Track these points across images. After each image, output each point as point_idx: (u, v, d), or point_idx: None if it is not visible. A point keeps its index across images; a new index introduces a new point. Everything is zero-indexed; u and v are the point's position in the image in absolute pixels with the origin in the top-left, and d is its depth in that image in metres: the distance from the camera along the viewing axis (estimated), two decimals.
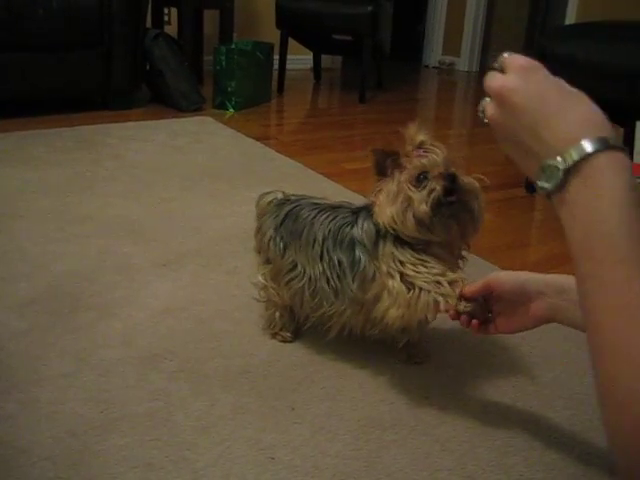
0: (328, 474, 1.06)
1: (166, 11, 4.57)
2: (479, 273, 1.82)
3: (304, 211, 1.34)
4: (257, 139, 3.17)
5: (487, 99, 0.73)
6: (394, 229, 1.20)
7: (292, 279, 1.34)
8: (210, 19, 4.60)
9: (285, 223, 1.36)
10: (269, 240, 1.38)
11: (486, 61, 6.32)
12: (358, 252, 1.25)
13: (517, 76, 0.69)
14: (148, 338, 1.42)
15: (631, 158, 1.78)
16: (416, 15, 6.56)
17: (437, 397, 1.28)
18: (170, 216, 2.14)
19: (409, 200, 1.17)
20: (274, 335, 1.44)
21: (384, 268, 1.21)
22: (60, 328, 1.44)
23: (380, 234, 1.23)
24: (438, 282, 1.17)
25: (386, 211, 1.19)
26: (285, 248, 1.35)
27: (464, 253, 1.28)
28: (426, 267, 1.18)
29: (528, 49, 6.46)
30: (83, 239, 1.91)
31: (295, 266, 1.34)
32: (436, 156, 1.19)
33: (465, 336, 1.49)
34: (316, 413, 1.21)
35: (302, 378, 1.31)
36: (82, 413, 1.17)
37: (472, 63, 6.19)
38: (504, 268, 1.86)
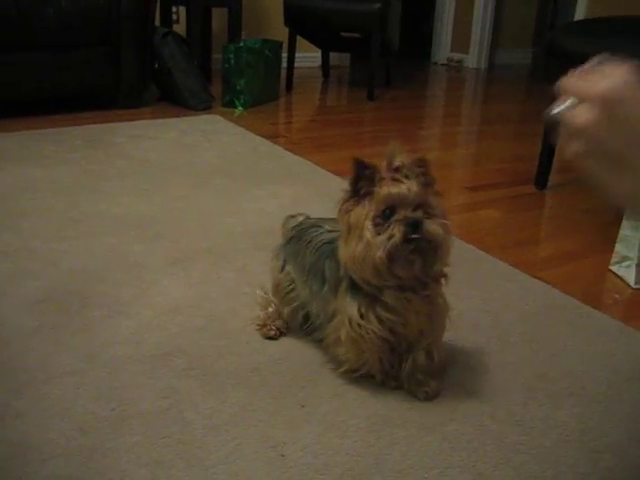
0: (338, 471, 1.07)
1: (175, 10, 4.57)
2: (488, 270, 1.83)
3: (306, 234, 1.39)
4: (266, 137, 3.17)
5: (571, 99, 0.65)
6: (351, 270, 1.19)
7: (290, 297, 1.42)
8: (218, 17, 4.60)
9: (290, 243, 1.43)
10: (273, 258, 1.47)
11: (495, 58, 6.30)
12: (326, 288, 1.30)
13: (627, 81, 0.62)
14: (158, 336, 1.43)
15: None
16: (424, 12, 6.55)
17: (447, 395, 1.28)
18: (179, 214, 2.14)
19: (368, 245, 1.13)
20: (261, 327, 1.45)
21: (338, 316, 1.26)
22: (70, 326, 1.45)
23: (340, 274, 1.25)
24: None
25: (349, 250, 1.17)
26: (284, 266, 1.43)
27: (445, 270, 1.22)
28: (368, 332, 1.21)
29: (537, 45, 6.45)
30: (92, 237, 1.92)
31: (293, 283, 1.42)
32: (407, 189, 1.13)
33: (474, 335, 1.49)
34: (326, 410, 1.21)
35: (312, 375, 1.31)
36: (93, 411, 1.18)
37: (481, 60, 6.17)
38: (513, 265, 1.86)
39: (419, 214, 1.13)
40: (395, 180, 1.14)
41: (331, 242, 1.30)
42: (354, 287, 1.21)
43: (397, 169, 1.14)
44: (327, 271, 1.29)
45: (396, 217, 1.12)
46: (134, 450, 1.09)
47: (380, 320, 1.19)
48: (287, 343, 1.42)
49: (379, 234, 1.12)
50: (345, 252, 1.18)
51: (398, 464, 1.09)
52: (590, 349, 1.46)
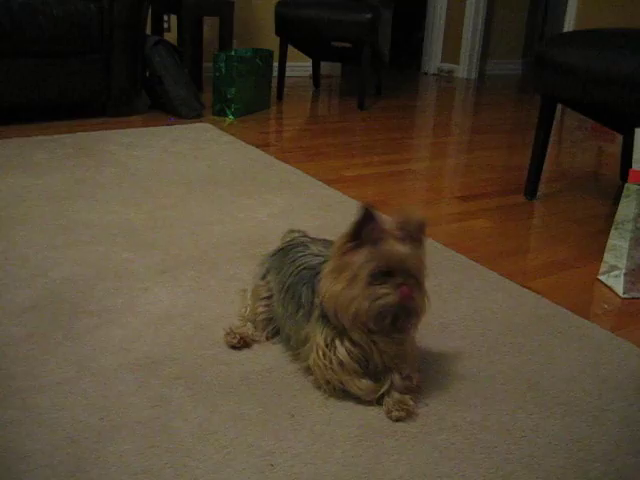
0: None
1: (166, 18, 4.59)
2: (478, 280, 1.83)
3: (292, 252, 1.41)
4: (256, 146, 3.18)
5: None
6: (327, 307, 1.21)
7: (266, 304, 1.46)
8: (210, 26, 4.61)
9: (276, 256, 1.47)
10: (258, 264, 1.51)
11: (485, 68, 6.34)
12: (300, 313, 1.32)
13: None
14: (148, 345, 1.42)
15: (630, 165, 1.78)
16: (415, 22, 6.58)
17: (436, 404, 1.28)
18: (170, 222, 2.14)
19: (359, 295, 1.15)
20: (226, 335, 1.44)
21: (310, 341, 1.29)
22: (60, 335, 1.44)
23: (315, 301, 1.27)
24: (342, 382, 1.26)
25: (334, 289, 1.18)
26: (266, 274, 1.47)
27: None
28: (332, 364, 1.24)
29: (526, 56, 6.49)
30: (83, 246, 1.91)
31: (270, 292, 1.45)
32: (409, 252, 1.16)
33: (463, 344, 1.50)
34: (316, 420, 1.21)
35: (301, 385, 1.31)
36: (82, 420, 1.17)
37: (471, 70, 6.21)
38: (503, 275, 1.87)
39: (412, 282, 1.16)
40: (399, 239, 1.16)
41: (312, 268, 1.33)
42: (325, 317, 1.24)
43: (403, 228, 1.16)
44: (303, 298, 1.32)
45: (394, 280, 1.15)
46: (123, 459, 1.08)
47: (347, 350, 1.23)
48: (277, 352, 1.42)
49: (372, 287, 1.15)
50: (329, 289, 1.19)
51: (388, 474, 1.09)
52: (579, 359, 1.46)
